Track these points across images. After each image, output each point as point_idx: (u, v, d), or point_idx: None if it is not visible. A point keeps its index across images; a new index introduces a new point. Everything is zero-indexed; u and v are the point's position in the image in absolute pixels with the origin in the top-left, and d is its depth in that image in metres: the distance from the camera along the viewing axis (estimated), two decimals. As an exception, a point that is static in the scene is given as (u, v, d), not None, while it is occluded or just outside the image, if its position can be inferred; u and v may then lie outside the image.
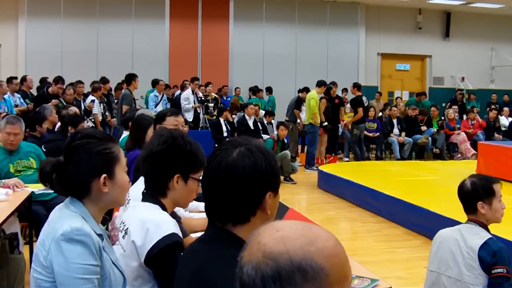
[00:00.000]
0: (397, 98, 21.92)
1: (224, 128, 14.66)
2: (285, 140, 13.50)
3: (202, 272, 1.87)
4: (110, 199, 2.55)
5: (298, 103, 15.94)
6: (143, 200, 2.95)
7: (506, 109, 18.76)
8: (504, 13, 23.67)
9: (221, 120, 14.86)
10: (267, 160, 1.95)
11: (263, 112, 16.70)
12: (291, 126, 15.52)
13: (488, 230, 3.84)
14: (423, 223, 8.42)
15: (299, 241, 1.32)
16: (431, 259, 4.06)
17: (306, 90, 15.71)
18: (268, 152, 2.00)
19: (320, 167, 12.85)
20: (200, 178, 2.77)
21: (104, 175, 2.50)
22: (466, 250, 3.75)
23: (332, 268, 1.30)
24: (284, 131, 13.23)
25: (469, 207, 3.86)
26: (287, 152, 12.79)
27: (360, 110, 15.40)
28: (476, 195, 3.82)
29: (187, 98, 15.63)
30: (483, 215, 3.83)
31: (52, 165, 2.53)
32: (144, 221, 2.75)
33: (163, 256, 2.67)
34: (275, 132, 13.60)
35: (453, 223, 4.32)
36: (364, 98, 15.59)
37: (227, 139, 2.12)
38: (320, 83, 14.85)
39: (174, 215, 3.03)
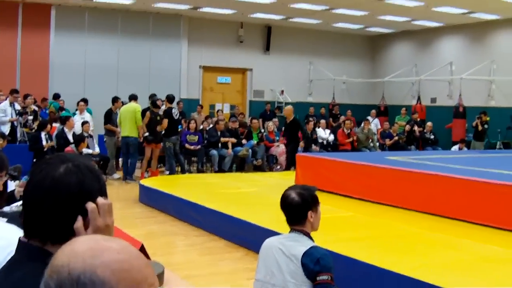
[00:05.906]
0: (218, 111, 22.12)
1: (44, 142, 14.02)
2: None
3: None
4: None
5: (107, 116, 15.87)
6: None
7: (322, 121, 19.52)
8: (322, 28, 24.65)
9: (42, 134, 14.17)
10: (94, 178, 1.86)
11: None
12: (105, 140, 15.63)
13: (311, 239, 3.89)
14: (243, 235, 8.57)
15: (84, 254, 1.27)
16: (258, 268, 4.04)
17: (115, 100, 16.36)
18: (96, 170, 1.91)
19: (141, 181, 12.69)
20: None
21: None
22: (290, 258, 3.77)
23: (119, 282, 1.24)
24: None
25: (298, 218, 3.88)
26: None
27: (165, 121, 15.06)
28: (305, 205, 3.86)
29: (4, 110, 14.96)
30: (311, 224, 3.88)
31: None
32: None
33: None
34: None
35: (272, 234, 4.37)
36: (174, 111, 15.57)
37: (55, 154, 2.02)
38: (133, 97, 15.30)
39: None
